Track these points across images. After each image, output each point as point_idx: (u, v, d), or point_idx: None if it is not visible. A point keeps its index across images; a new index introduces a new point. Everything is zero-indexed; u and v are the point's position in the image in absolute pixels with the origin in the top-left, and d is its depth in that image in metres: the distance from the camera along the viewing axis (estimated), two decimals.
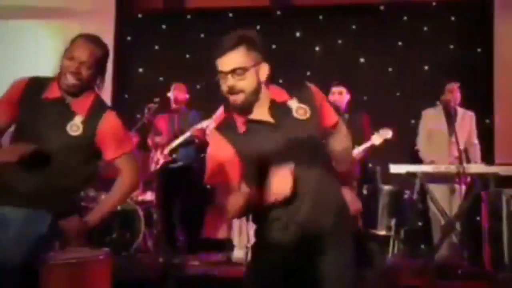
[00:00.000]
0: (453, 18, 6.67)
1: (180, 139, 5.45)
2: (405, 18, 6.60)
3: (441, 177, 4.95)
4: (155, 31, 7.28)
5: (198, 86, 6.48)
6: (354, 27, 6.60)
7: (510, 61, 6.32)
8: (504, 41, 6.36)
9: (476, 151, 5.41)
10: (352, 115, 5.29)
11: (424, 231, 5.62)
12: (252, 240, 5.02)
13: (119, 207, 5.31)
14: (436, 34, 6.54)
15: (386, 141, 5.10)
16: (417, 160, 5.27)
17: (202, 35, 7.13)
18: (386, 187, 5.58)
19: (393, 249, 5.44)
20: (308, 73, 6.79)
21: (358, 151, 5.06)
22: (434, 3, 6.66)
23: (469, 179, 4.99)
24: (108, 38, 2.58)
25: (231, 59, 2.16)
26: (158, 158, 5.53)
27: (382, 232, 5.57)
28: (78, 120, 2.50)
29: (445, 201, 4.95)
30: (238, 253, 5.25)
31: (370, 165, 6.01)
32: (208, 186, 5.94)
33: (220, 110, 5.21)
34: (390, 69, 6.72)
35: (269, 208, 2.16)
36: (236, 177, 2.27)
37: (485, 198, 4.96)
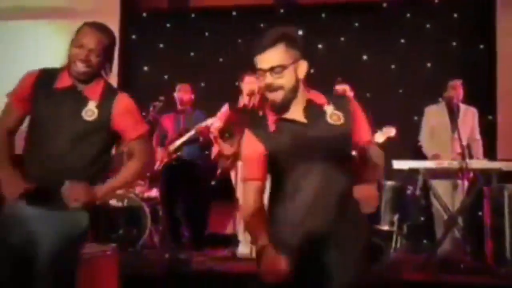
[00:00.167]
0: (455, 15, 6.70)
1: (185, 137, 5.45)
2: (407, 15, 6.63)
3: (444, 173, 4.93)
4: (159, 30, 7.31)
5: (202, 84, 6.53)
6: (356, 24, 6.63)
7: (510, 56, 6.33)
8: (506, 37, 6.37)
9: (478, 147, 5.42)
10: None
11: (427, 227, 5.65)
12: None
13: (125, 204, 5.41)
14: (439, 31, 6.56)
15: (389, 138, 5.10)
16: (420, 156, 5.27)
17: (206, 34, 7.19)
18: (389, 183, 5.57)
19: (396, 244, 5.46)
20: (312, 71, 6.78)
21: None
22: (436, 0, 6.69)
23: (471, 174, 4.99)
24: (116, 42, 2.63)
25: (270, 57, 2.15)
26: (163, 156, 5.55)
27: (385, 228, 5.58)
28: (92, 105, 2.50)
29: (448, 197, 4.95)
30: (243, 249, 5.22)
31: None
32: (213, 183, 6.06)
33: (225, 108, 5.36)
34: (393, 66, 6.75)
35: (285, 213, 2.20)
36: (265, 174, 2.29)
37: (487, 193, 4.97)
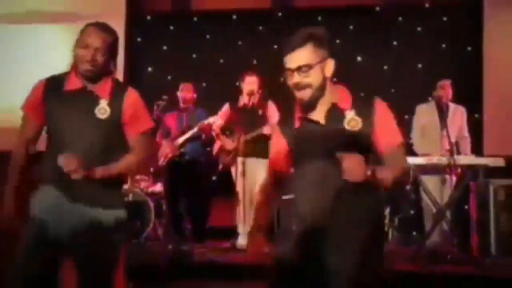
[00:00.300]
0: (445, 19, 6.74)
1: (188, 134, 5.45)
2: (399, 19, 6.66)
3: (433, 168, 4.98)
4: (163, 32, 7.33)
5: (204, 84, 6.56)
6: (351, 27, 6.66)
7: (498, 59, 6.42)
8: (493, 40, 6.43)
9: (466, 144, 5.45)
10: None
11: (417, 220, 5.69)
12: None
13: (130, 198, 5.44)
14: (429, 34, 6.61)
15: None
16: (410, 153, 5.28)
17: (207, 36, 7.21)
18: None
19: (387, 236, 5.53)
20: None
21: None
22: (427, 5, 6.74)
23: (459, 170, 5.01)
24: (119, 40, 2.63)
25: (298, 57, 2.16)
26: (167, 152, 5.56)
27: None
28: (103, 103, 2.49)
29: (437, 191, 4.99)
30: (242, 241, 5.27)
31: None
32: (214, 178, 6.11)
33: (226, 107, 5.41)
34: (385, 67, 6.80)
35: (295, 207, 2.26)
36: (287, 165, 2.36)
37: (473, 188, 5.04)
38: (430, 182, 5.03)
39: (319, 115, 2.24)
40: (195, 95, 5.73)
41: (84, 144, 2.44)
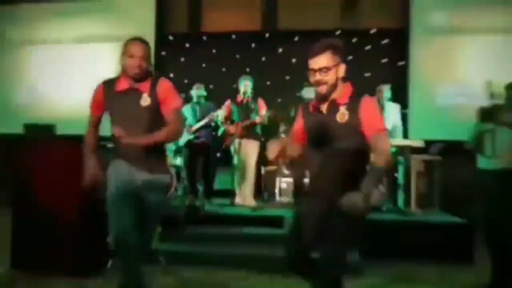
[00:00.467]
0: (385, 41, 6.78)
1: (201, 123, 5.42)
2: (353, 40, 6.60)
3: None
4: (181, 48, 7.32)
5: (211, 86, 6.50)
6: None
7: (420, 71, 6.52)
8: (417, 57, 6.54)
9: (398, 130, 5.57)
10: None
11: None
12: (248, 190, 5.23)
13: None
14: (374, 52, 6.61)
15: None
16: None
17: (214, 51, 7.23)
18: None
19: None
20: (287, 77, 6.90)
21: None
22: (371, 31, 6.76)
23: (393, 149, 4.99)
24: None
25: (319, 60, 2.15)
26: (184, 136, 5.43)
27: None
28: (145, 95, 2.50)
29: None
30: (238, 199, 5.40)
31: None
32: (219, 155, 6.22)
33: (227, 102, 5.43)
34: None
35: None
36: (303, 139, 2.35)
37: (401, 161, 5.11)
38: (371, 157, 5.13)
39: (324, 107, 2.24)
40: (205, 93, 5.69)
41: (134, 126, 2.46)
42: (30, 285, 3.35)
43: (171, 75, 6.98)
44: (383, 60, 6.76)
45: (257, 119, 5.25)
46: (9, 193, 3.83)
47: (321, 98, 2.23)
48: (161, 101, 2.52)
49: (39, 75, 7.61)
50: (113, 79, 2.60)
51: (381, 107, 5.22)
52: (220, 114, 5.38)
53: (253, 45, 7.18)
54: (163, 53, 7.39)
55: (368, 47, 6.52)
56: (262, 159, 5.65)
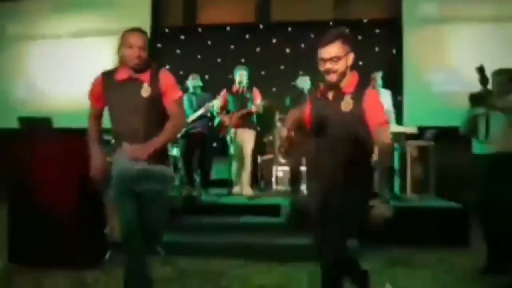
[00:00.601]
0: (377, 31, 6.78)
1: (197, 113, 5.35)
2: (346, 30, 6.65)
3: None
4: (176, 40, 7.28)
5: (206, 77, 6.51)
6: (312, 35, 6.61)
7: (413, 59, 6.48)
8: (409, 45, 6.50)
9: (392, 117, 5.52)
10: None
11: None
12: (245, 179, 5.24)
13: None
14: (367, 40, 6.58)
15: None
16: None
17: (209, 42, 7.18)
18: None
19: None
20: (282, 67, 6.89)
21: None
22: (365, 20, 6.77)
23: None
24: None
25: (330, 50, 2.13)
26: None
27: None
28: (146, 85, 2.44)
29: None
30: (235, 189, 5.36)
31: None
32: (215, 145, 6.21)
33: (223, 92, 5.38)
34: None
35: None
36: (309, 122, 2.34)
37: (396, 147, 5.07)
38: None
39: (331, 94, 2.23)
40: (201, 83, 5.60)
41: (133, 116, 2.41)
42: (28, 278, 3.28)
43: (167, 67, 6.89)
44: (376, 49, 6.73)
45: (253, 109, 5.20)
46: (5, 187, 3.75)
47: (330, 86, 2.21)
48: (162, 92, 2.47)
49: (37, 70, 7.53)
50: (112, 70, 2.53)
51: None
52: (216, 104, 5.31)
53: (247, 36, 7.14)
54: (159, 45, 7.32)
55: (361, 37, 6.48)
56: (258, 148, 5.59)
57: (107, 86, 2.50)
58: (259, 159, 6.05)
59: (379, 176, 2.12)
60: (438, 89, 6.35)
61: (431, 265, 3.68)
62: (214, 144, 6.12)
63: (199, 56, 7.17)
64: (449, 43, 6.40)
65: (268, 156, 6.05)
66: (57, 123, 4.31)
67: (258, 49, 7.01)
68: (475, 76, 3.19)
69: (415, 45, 6.50)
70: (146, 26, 6.98)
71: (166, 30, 7.38)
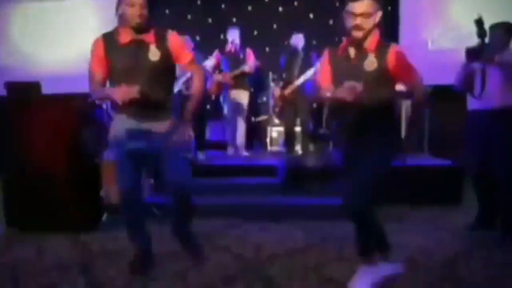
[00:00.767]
0: None
1: (189, 73, 5.25)
2: None
3: None
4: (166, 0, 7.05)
5: (197, 38, 6.45)
6: None
7: (409, 16, 6.39)
8: (405, 2, 6.40)
9: None
10: (305, 54, 5.27)
11: None
12: (240, 140, 5.28)
13: None
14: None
15: None
16: None
17: (198, 2, 7.05)
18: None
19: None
20: (275, 26, 6.83)
21: (309, 74, 5.04)
22: None
23: None
24: None
25: (362, 5, 2.10)
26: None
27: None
28: (153, 48, 2.34)
29: None
30: (230, 150, 5.41)
31: None
32: (208, 107, 6.16)
33: (216, 53, 5.29)
34: (330, 22, 6.73)
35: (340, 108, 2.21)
36: (328, 83, 2.29)
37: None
38: None
39: (353, 52, 2.20)
40: (192, 44, 5.44)
41: (140, 81, 2.28)
42: (26, 241, 3.29)
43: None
44: None
45: (246, 68, 5.14)
46: None
47: (354, 43, 2.18)
48: (174, 54, 2.40)
49: (22, 35, 7.28)
50: (112, 32, 2.40)
51: None
52: (209, 63, 5.25)
53: None
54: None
55: None
56: (252, 109, 5.57)
57: (108, 49, 2.36)
58: (253, 120, 6.05)
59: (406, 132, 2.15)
60: (434, 47, 6.27)
61: (424, 222, 3.75)
62: (208, 106, 6.09)
63: (189, 17, 7.05)
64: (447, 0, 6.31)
65: (262, 117, 6.04)
66: (47, 90, 4.23)
67: (249, 8, 6.89)
68: (471, 33, 3.12)
69: (412, 2, 6.39)
70: None
71: None
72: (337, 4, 6.64)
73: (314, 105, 5.85)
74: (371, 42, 2.18)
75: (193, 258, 2.67)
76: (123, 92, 2.20)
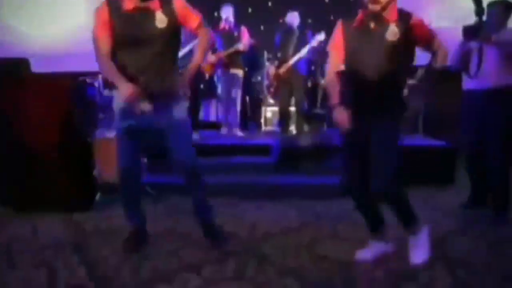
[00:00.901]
0: None
1: (184, 50, 4.91)
2: None
3: None
4: None
5: None
6: None
7: None
8: None
9: None
10: (301, 32, 5.20)
11: None
12: (234, 119, 5.25)
13: None
14: None
15: (321, 42, 4.99)
16: None
17: None
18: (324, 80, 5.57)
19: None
20: (269, 4, 6.74)
21: (303, 52, 5.05)
22: None
23: None
24: None
25: None
26: None
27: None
28: (159, 15, 2.28)
29: None
30: (223, 130, 5.40)
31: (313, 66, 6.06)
32: (202, 86, 6.06)
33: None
34: (326, 0, 6.69)
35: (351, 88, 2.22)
36: (341, 56, 2.27)
37: None
38: None
39: (373, 24, 2.17)
40: None
41: (148, 51, 2.26)
42: (21, 220, 3.29)
43: None
44: None
45: (240, 47, 5.08)
46: None
47: (371, 16, 2.15)
48: (181, 19, 2.34)
49: (11, 12, 7.12)
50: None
51: None
52: None
53: None
54: None
55: None
56: (246, 88, 5.54)
57: (114, 16, 2.27)
58: (248, 99, 6.02)
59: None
60: (432, 26, 6.24)
61: (417, 201, 3.75)
62: (201, 86, 5.97)
63: None
64: None
65: (256, 96, 6.01)
66: (37, 68, 4.16)
67: None
68: (468, 13, 3.08)
69: None
70: None
71: None
72: None
73: (309, 84, 5.83)
74: (391, 12, 2.15)
75: (212, 241, 2.66)
76: (130, 94, 2.20)
